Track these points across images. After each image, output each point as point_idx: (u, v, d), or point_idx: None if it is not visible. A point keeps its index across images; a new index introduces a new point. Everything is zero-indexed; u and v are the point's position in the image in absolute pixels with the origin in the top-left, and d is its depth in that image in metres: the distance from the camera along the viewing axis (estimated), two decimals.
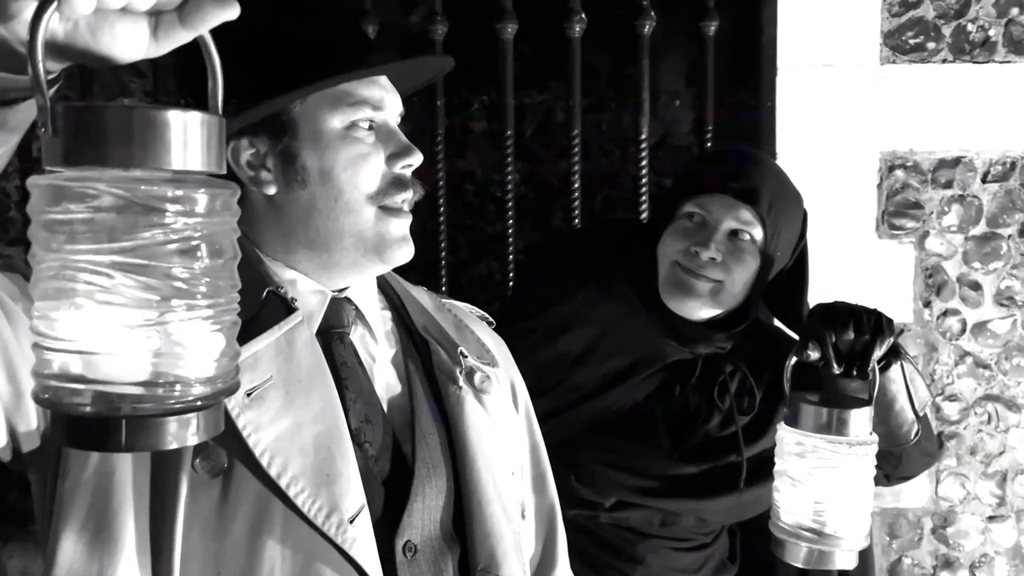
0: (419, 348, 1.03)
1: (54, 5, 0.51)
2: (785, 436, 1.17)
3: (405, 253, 0.96)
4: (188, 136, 0.53)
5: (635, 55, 2.05)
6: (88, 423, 0.54)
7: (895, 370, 1.22)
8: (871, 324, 1.18)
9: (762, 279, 1.34)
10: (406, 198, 0.95)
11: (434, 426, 0.98)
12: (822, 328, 1.19)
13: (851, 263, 2.02)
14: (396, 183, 0.94)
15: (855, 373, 1.18)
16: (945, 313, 2.07)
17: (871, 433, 1.15)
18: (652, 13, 2.01)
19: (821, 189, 2.00)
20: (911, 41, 2.01)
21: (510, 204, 2.08)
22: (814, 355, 1.18)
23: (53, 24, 0.54)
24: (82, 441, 0.56)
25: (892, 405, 1.24)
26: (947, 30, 2.01)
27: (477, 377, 1.02)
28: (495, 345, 1.11)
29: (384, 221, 0.94)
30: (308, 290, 0.95)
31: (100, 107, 0.52)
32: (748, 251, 1.30)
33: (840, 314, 1.20)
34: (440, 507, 0.96)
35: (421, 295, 1.08)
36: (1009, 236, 2.06)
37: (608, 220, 2.16)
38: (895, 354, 1.21)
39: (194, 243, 0.54)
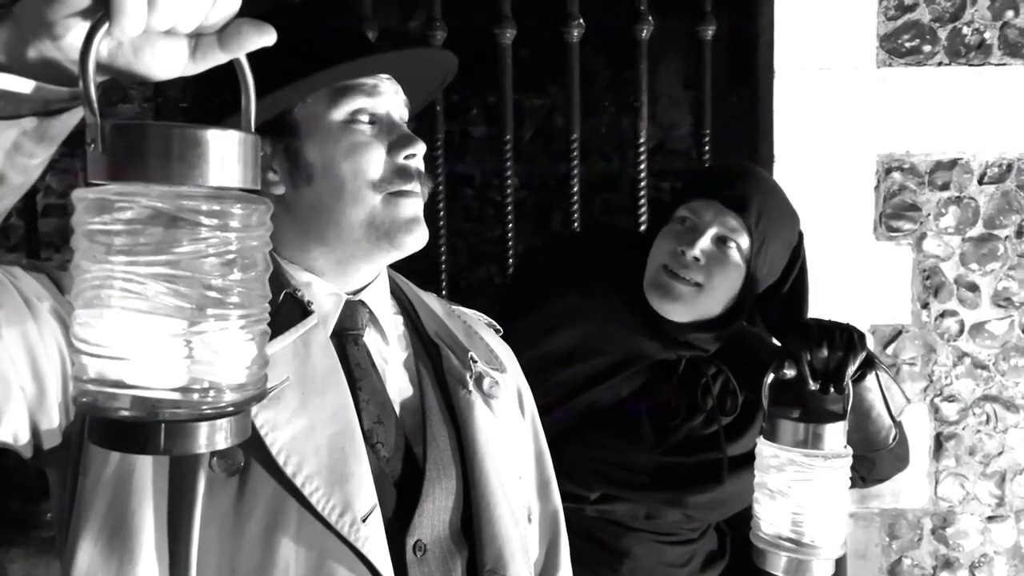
0: (430, 352, 1.04)
1: (105, 27, 0.54)
2: (764, 450, 1.22)
3: (417, 236, 0.95)
4: (226, 154, 0.55)
5: (633, 59, 2.06)
6: (128, 427, 0.56)
7: (870, 379, 1.28)
8: (844, 341, 1.24)
9: (748, 290, 1.38)
10: (413, 188, 0.95)
11: (444, 429, 0.99)
12: (798, 347, 1.25)
13: (849, 265, 2.03)
14: (400, 172, 0.94)
15: (832, 388, 1.24)
16: (943, 314, 2.08)
17: (845, 446, 1.20)
18: (650, 18, 2.02)
19: (819, 192, 2.01)
20: (907, 44, 2.02)
21: (509, 208, 2.09)
22: (790, 373, 1.24)
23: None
24: (121, 444, 0.58)
25: (869, 413, 1.30)
26: (943, 33, 2.02)
27: (486, 382, 1.03)
28: (503, 351, 1.12)
29: (393, 203, 0.93)
30: (323, 292, 0.96)
31: (146, 126, 0.54)
32: (732, 259, 1.34)
33: (815, 332, 1.25)
34: (450, 508, 0.97)
35: (431, 301, 1.10)
36: (1006, 237, 2.07)
37: (603, 225, 2.18)
38: (869, 364, 1.27)
39: (230, 256, 0.56)
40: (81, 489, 0.82)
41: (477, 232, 3.11)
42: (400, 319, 1.06)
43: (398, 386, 1.00)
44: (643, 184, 2.07)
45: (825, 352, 1.23)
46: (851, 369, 1.23)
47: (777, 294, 1.42)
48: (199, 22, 0.57)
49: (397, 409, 0.99)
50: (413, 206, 0.95)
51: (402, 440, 0.97)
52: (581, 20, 2.01)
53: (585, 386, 1.39)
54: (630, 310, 1.39)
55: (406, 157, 0.94)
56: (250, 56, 0.61)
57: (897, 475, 1.50)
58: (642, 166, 2.07)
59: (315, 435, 0.87)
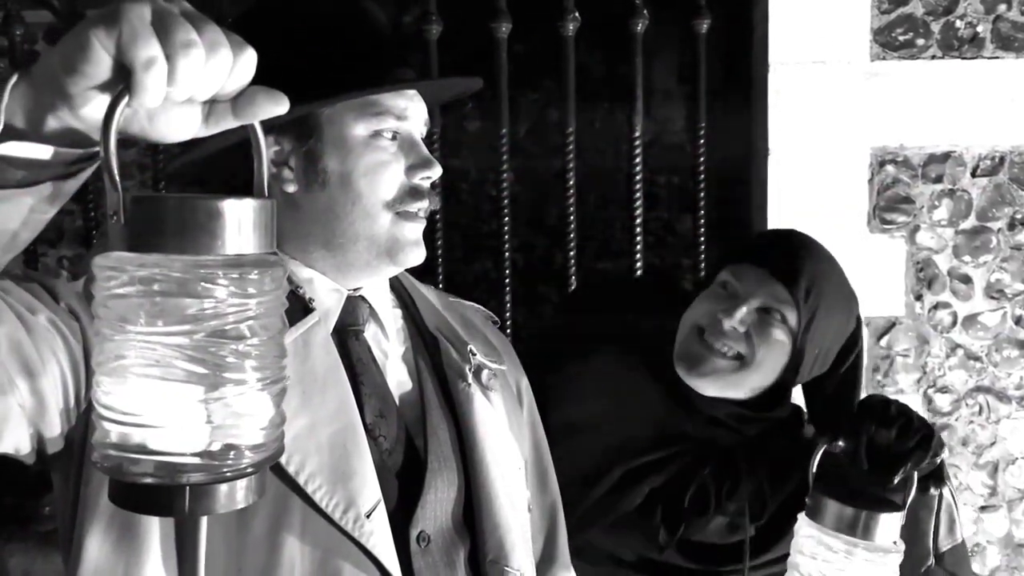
0: (428, 345, 1.05)
1: (125, 99, 0.55)
2: (803, 529, 1.10)
3: (417, 256, 0.98)
4: (242, 222, 0.56)
5: (628, 53, 2.06)
6: (152, 491, 0.57)
7: (931, 497, 1.16)
8: (918, 433, 1.12)
9: (792, 372, 1.25)
10: (422, 207, 0.97)
11: (444, 421, 1.01)
12: (860, 420, 1.13)
13: (843, 258, 2.01)
14: (413, 193, 0.96)
15: (889, 476, 1.10)
16: (936, 306, 2.10)
17: (895, 542, 1.07)
18: (645, 12, 2.03)
19: (812, 185, 2.02)
20: (900, 38, 2.03)
21: (505, 202, 2.10)
22: (844, 445, 1.12)
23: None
24: (144, 506, 0.59)
25: (912, 530, 1.17)
26: (936, 26, 2.04)
27: (484, 374, 1.04)
28: (501, 344, 1.14)
29: (399, 225, 0.95)
30: (325, 289, 0.97)
31: (166, 199, 0.56)
32: (777, 330, 1.21)
33: (881, 409, 1.15)
34: (452, 499, 0.98)
35: (430, 293, 1.11)
36: (999, 230, 2.08)
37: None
38: (938, 479, 1.14)
39: (248, 322, 0.57)
40: (85, 495, 0.83)
41: (473, 226, 3.11)
42: (399, 312, 1.07)
43: (397, 379, 1.01)
44: (638, 179, 2.08)
45: (893, 434, 1.10)
46: (921, 464, 1.09)
47: (824, 383, 1.29)
48: (215, 92, 0.58)
49: (397, 403, 1.00)
50: (416, 231, 0.97)
51: (403, 433, 0.98)
52: (576, 14, 2.02)
53: (612, 461, 1.25)
54: (654, 380, 1.27)
55: (421, 179, 0.96)
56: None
57: None
58: (637, 160, 2.07)
59: (316, 433, 0.88)
